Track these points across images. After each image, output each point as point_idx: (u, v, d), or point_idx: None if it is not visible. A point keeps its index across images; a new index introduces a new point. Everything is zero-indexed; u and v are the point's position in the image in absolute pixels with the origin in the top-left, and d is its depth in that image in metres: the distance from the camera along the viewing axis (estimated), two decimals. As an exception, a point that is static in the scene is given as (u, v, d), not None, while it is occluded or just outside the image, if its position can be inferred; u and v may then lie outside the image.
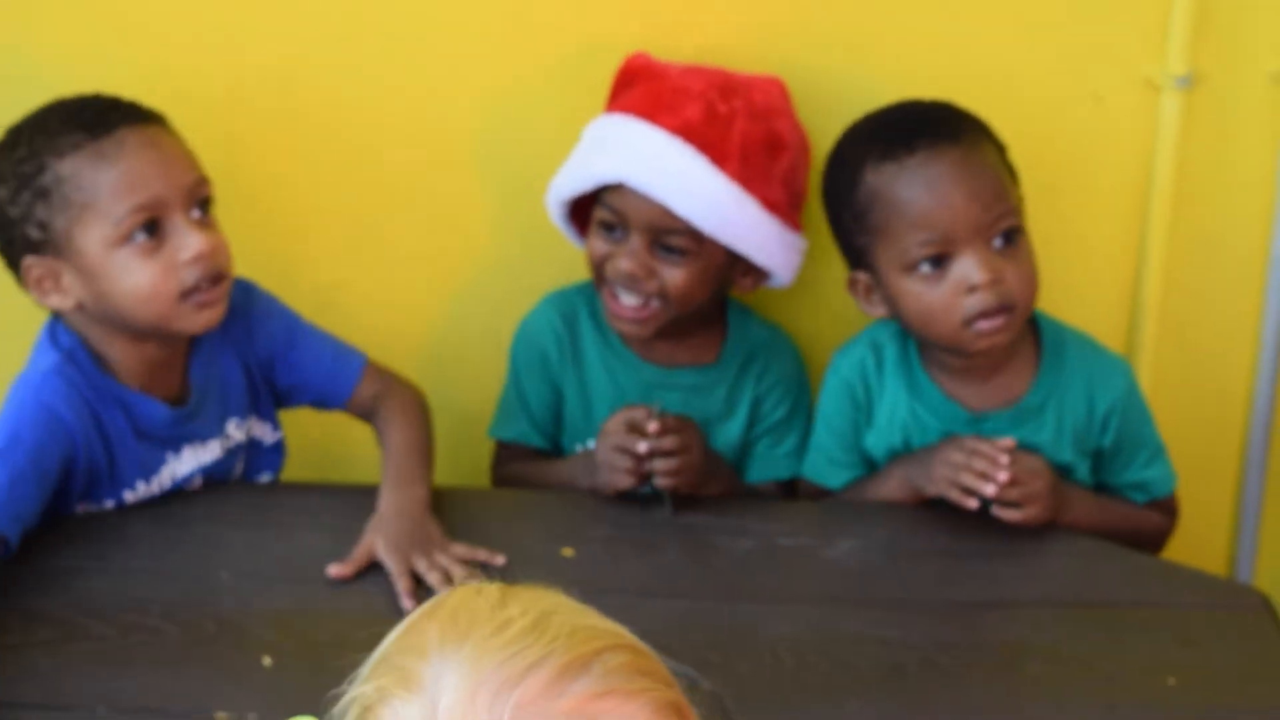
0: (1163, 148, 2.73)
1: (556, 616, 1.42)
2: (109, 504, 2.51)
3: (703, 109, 2.52)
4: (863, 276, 2.51)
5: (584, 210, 2.61)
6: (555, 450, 2.74)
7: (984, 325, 2.42)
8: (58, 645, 2.22)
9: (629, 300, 2.58)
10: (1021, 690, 2.22)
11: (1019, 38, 2.68)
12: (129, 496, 2.51)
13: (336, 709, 1.45)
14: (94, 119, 2.38)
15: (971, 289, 2.40)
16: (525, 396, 2.73)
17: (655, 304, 2.57)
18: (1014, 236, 2.43)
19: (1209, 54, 2.68)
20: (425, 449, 2.52)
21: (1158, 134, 2.73)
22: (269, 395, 2.63)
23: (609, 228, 2.56)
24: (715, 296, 2.65)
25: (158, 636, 2.27)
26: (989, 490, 2.41)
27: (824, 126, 2.69)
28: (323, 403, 2.64)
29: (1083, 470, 2.56)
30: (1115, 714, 2.17)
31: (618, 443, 2.49)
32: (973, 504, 2.43)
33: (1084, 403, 2.56)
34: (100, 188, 2.34)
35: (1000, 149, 2.47)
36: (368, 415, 2.61)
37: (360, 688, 1.44)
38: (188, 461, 2.54)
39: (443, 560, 2.30)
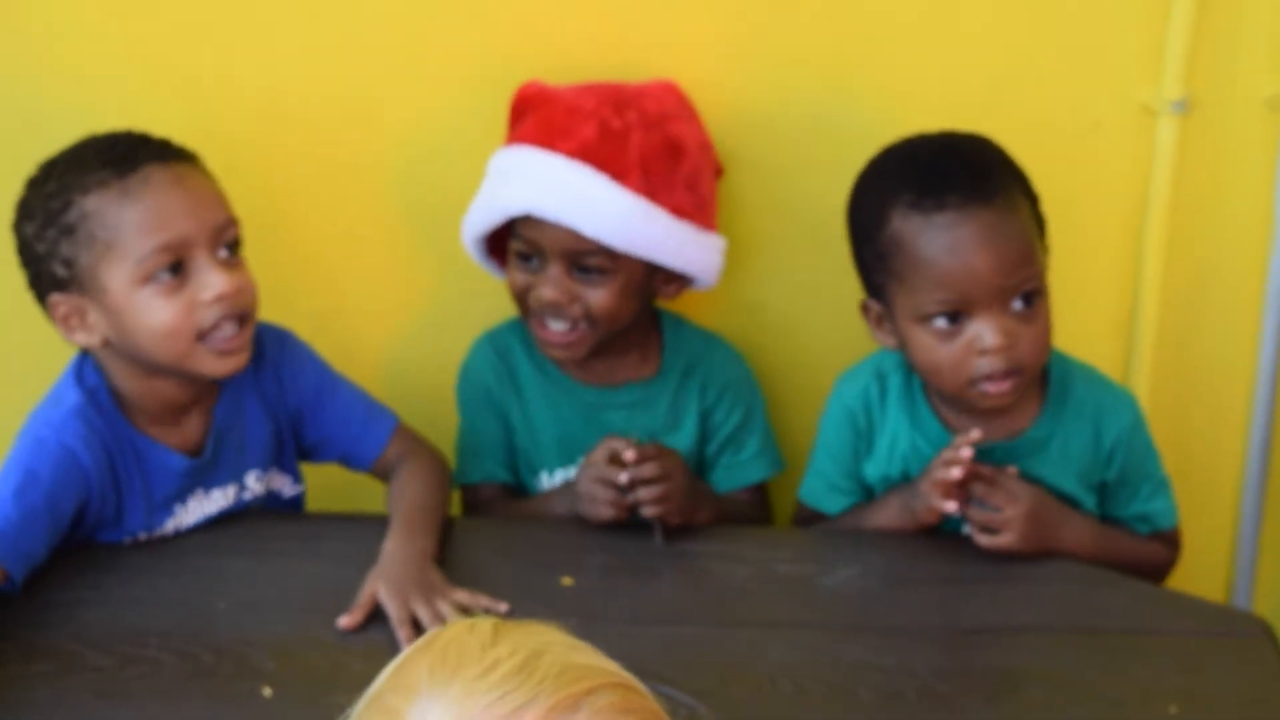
0: (1159, 172, 2.73)
1: (547, 656, 1.41)
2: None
3: (596, 127, 2.52)
4: (876, 306, 2.50)
5: (502, 241, 2.62)
6: (519, 482, 2.74)
7: (990, 387, 2.43)
8: (57, 676, 2.22)
9: (557, 327, 2.58)
10: (1021, 718, 2.21)
11: (1018, 64, 2.68)
12: (128, 541, 2.49)
13: None
14: (122, 156, 2.36)
15: (983, 351, 2.39)
16: (480, 436, 2.73)
17: (583, 326, 2.58)
18: (1033, 299, 2.41)
19: (1203, 79, 2.68)
20: (436, 509, 2.49)
21: (1154, 159, 2.73)
22: (294, 448, 2.61)
23: (525, 258, 2.57)
24: (642, 309, 2.66)
25: (156, 667, 2.25)
26: (955, 473, 2.40)
27: (825, 155, 2.70)
28: (347, 461, 2.62)
29: (1089, 503, 2.55)
30: (1115, 740, 2.16)
31: (598, 474, 2.49)
32: (951, 505, 2.43)
33: (1089, 437, 2.55)
34: (124, 226, 2.33)
35: (1033, 202, 2.45)
36: (388, 476, 2.58)
37: (352, 714, 1.44)
38: (194, 512, 2.53)
39: (443, 607, 2.28)
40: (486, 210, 2.57)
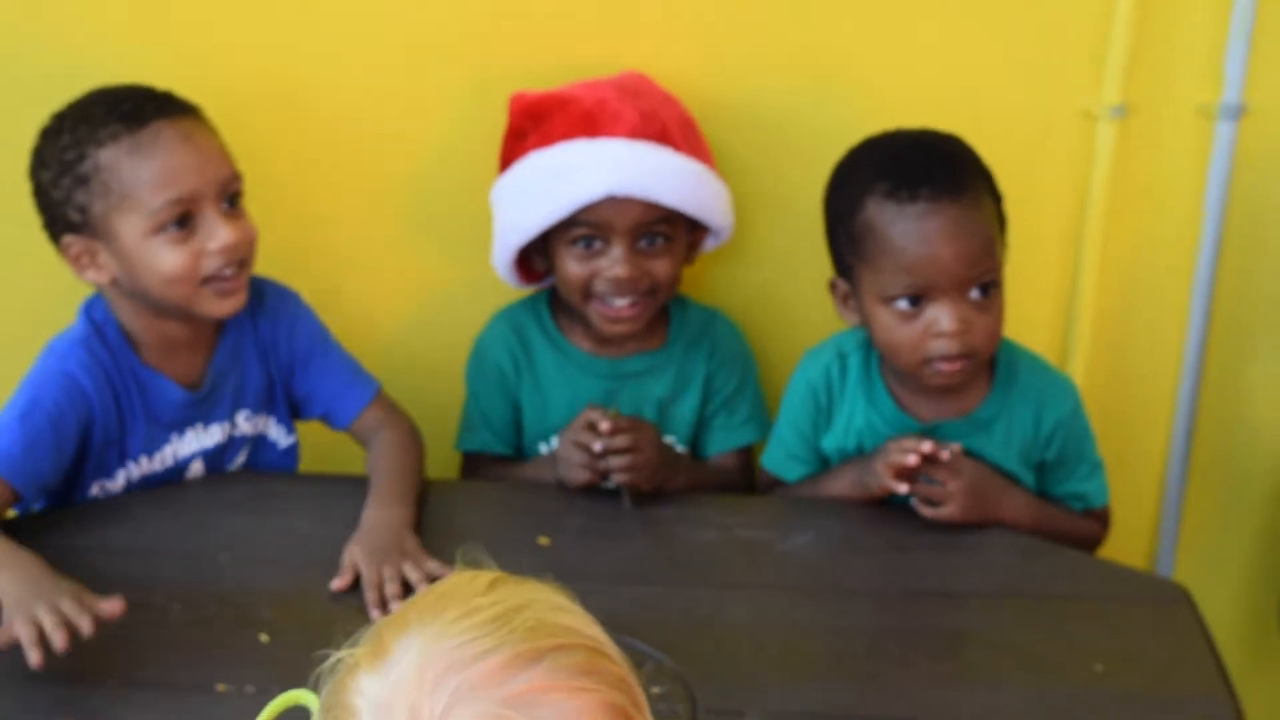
0: (1098, 173, 2.76)
1: (527, 611, 1.42)
2: (118, 476, 2.52)
3: (634, 111, 2.54)
4: (843, 285, 2.53)
5: (526, 255, 2.64)
6: (518, 454, 2.76)
7: (943, 367, 2.45)
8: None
9: (622, 303, 2.59)
10: (961, 675, 2.24)
11: (975, 69, 2.71)
12: (133, 470, 2.53)
13: (326, 664, 1.46)
14: (132, 111, 2.38)
15: (939, 334, 2.42)
16: (484, 409, 2.75)
17: (646, 298, 2.60)
18: (990, 290, 2.44)
19: (1141, 87, 2.71)
20: (412, 476, 2.50)
21: (1094, 160, 2.75)
22: (285, 399, 2.63)
23: (587, 242, 2.57)
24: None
25: (163, 614, 2.28)
26: (912, 460, 2.42)
27: (799, 147, 2.75)
28: (328, 419, 2.64)
29: (1028, 480, 2.58)
30: (1047, 698, 2.19)
31: (575, 439, 2.52)
32: (902, 488, 2.45)
33: (1032, 419, 2.58)
34: (137, 180, 2.36)
35: (997, 201, 2.48)
36: (365, 441, 2.60)
37: (349, 649, 1.45)
38: (190, 443, 2.56)
39: (411, 573, 2.29)
40: (551, 208, 2.54)
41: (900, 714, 2.17)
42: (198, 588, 2.33)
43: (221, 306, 2.43)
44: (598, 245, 2.56)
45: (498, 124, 2.64)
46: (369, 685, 1.41)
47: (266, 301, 2.57)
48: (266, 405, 2.62)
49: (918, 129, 2.52)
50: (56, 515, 2.46)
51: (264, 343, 2.58)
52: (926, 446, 2.42)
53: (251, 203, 2.52)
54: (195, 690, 2.17)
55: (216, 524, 2.46)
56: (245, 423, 2.60)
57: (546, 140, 2.57)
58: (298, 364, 2.61)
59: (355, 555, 2.33)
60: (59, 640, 2.08)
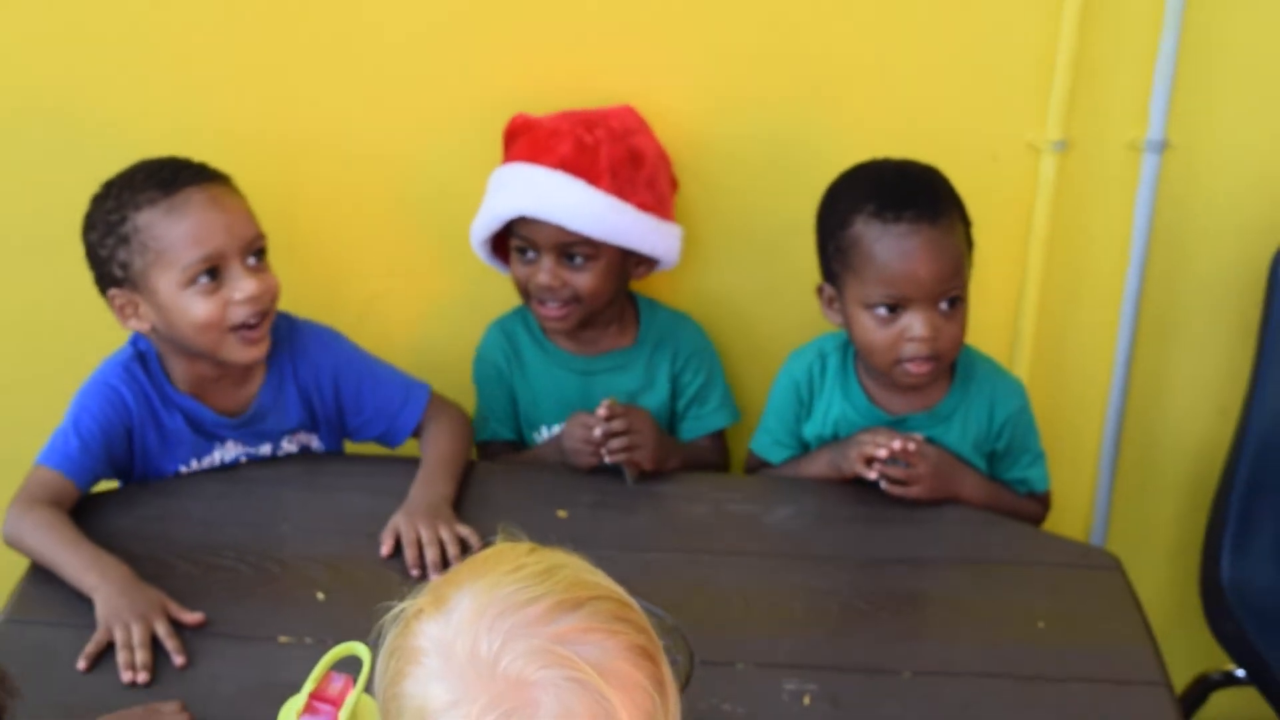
0: (1041, 199, 2.74)
1: (565, 570, 1.45)
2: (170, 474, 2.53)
3: (573, 143, 2.53)
4: (829, 289, 2.52)
5: (505, 243, 2.63)
6: (520, 438, 2.76)
7: (912, 368, 2.45)
8: (154, 580, 2.23)
9: (549, 307, 2.60)
10: (922, 630, 2.25)
11: (933, 104, 2.69)
12: (184, 470, 2.53)
13: (389, 615, 1.48)
14: (168, 178, 2.38)
15: (911, 339, 2.42)
16: (490, 404, 2.75)
17: (572, 305, 2.60)
18: (957, 303, 2.44)
19: (1080, 124, 2.70)
20: (456, 460, 2.49)
21: (1037, 189, 2.74)
22: (327, 426, 2.61)
23: (523, 251, 2.59)
24: (620, 289, 2.67)
25: (232, 575, 2.29)
26: (882, 453, 2.43)
27: (771, 172, 2.74)
28: (385, 440, 2.63)
29: (980, 465, 2.58)
30: (996, 649, 2.19)
31: (579, 433, 2.52)
32: (872, 474, 2.45)
33: (985, 414, 2.58)
34: (171, 240, 2.34)
35: (967, 225, 2.48)
36: (420, 433, 2.59)
37: (411, 601, 1.47)
38: (232, 450, 2.55)
39: (443, 531, 2.30)
40: (489, 217, 2.58)
41: (868, 664, 2.16)
42: (262, 553, 2.33)
43: (245, 354, 2.43)
44: (531, 255, 2.58)
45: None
46: (431, 629, 1.43)
47: (308, 349, 2.56)
48: (309, 430, 2.61)
49: (902, 159, 2.52)
50: (140, 489, 2.47)
51: (305, 387, 2.57)
52: (896, 445, 2.42)
53: (290, 229, 2.54)
54: (261, 641, 2.17)
55: (277, 498, 2.46)
56: (288, 443, 2.59)
57: (508, 157, 2.60)
58: (346, 400, 2.60)
59: (398, 522, 2.34)
60: (143, 662, 2.09)
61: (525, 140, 2.57)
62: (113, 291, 2.40)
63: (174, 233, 2.34)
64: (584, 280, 2.58)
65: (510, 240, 2.61)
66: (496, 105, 2.64)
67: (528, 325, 2.73)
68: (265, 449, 2.56)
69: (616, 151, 2.55)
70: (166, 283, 2.35)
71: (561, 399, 2.68)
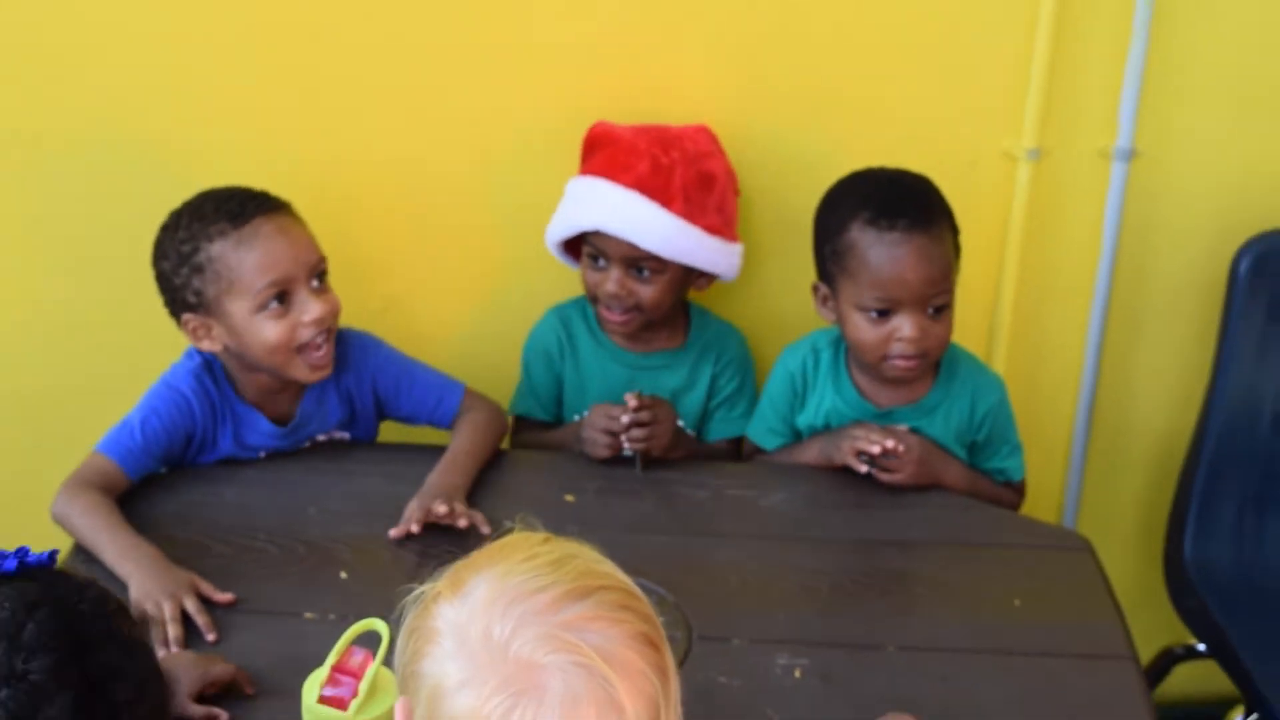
0: (1017, 205, 2.74)
1: (577, 560, 1.45)
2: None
3: (649, 164, 2.51)
4: (824, 288, 2.51)
5: (577, 244, 2.62)
6: (557, 420, 2.75)
7: (900, 364, 2.45)
8: (192, 561, 2.22)
9: (613, 312, 2.59)
10: (907, 606, 2.24)
11: (921, 118, 2.68)
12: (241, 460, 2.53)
13: (410, 597, 1.48)
14: (236, 210, 2.36)
15: (900, 339, 2.42)
16: (534, 384, 2.73)
17: (634, 313, 2.59)
18: (943, 309, 2.43)
19: (1053, 133, 2.69)
20: (477, 454, 2.47)
21: (1013, 194, 2.73)
22: (363, 423, 2.61)
23: (594, 259, 2.57)
24: (680, 299, 2.67)
25: (263, 555, 2.28)
26: (874, 449, 2.42)
27: (766, 169, 2.73)
28: (432, 425, 2.61)
29: (961, 455, 2.57)
30: (975, 625, 2.19)
31: (601, 426, 2.50)
32: (863, 468, 2.45)
33: (967, 407, 2.57)
34: (243, 269, 2.34)
35: (955, 234, 2.47)
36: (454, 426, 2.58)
37: (430, 584, 1.48)
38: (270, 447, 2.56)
39: (439, 507, 2.29)
40: (566, 225, 2.57)
41: (856, 639, 2.15)
42: (290, 535, 2.32)
43: (312, 376, 2.43)
44: (602, 263, 2.56)
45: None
46: (448, 612, 1.43)
47: (348, 355, 2.55)
48: (346, 428, 2.60)
49: (896, 169, 2.51)
50: (181, 475, 2.45)
51: (347, 392, 2.56)
52: (889, 444, 2.42)
53: (344, 237, 2.52)
54: (288, 616, 2.16)
55: (306, 484, 2.45)
56: (322, 437, 2.59)
57: (586, 169, 2.58)
58: (388, 401, 2.60)
59: (412, 506, 2.32)
60: (174, 632, 2.09)
61: (604, 154, 2.56)
62: (186, 316, 2.40)
63: (245, 262, 2.34)
64: (648, 292, 2.57)
65: (583, 246, 2.59)
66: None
67: (585, 317, 2.71)
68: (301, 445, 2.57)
69: (689, 175, 2.53)
70: (239, 308, 2.35)
71: (608, 389, 2.66)
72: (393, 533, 2.30)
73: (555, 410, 2.75)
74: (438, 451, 2.47)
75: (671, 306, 2.65)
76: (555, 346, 2.72)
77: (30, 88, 2.62)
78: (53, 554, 1.53)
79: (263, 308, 2.34)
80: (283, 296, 2.35)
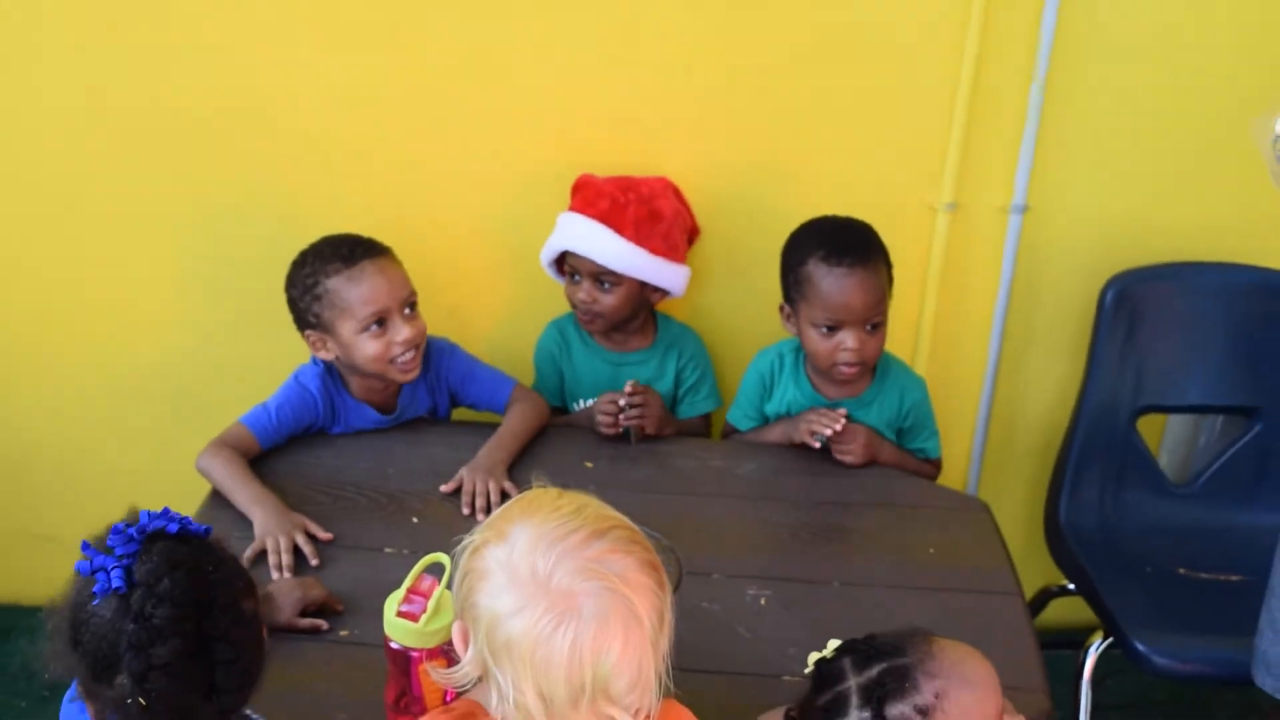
0: (936, 247, 2.72)
1: (590, 508, 1.47)
2: None
3: (609, 201, 2.51)
4: (787, 309, 2.50)
5: (563, 265, 2.63)
6: (564, 406, 2.73)
7: (844, 370, 2.45)
8: (298, 507, 2.24)
9: (583, 315, 2.61)
10: (848, 553, 2.23)
11: (860, 177, 2.66)
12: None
13: (459, 546, 1.49)
14: (348, 252, 2.39)
15: (845, 349, 2.41)
16: (544, 379, 2.72)
17: (599, 318, 2.60)
18: (879, 326, 2.43)
19: (965, 191, 2.67)
20: (520, 437, 2.45)
21: (934, 238, 2.71)
22: (443, 409, 2.61)
23: (571, 274, 2.59)
24: (640, 308, 2.65)
25: (352, 504, 2.28)
26: (828, 432, 2.41)
27: (758, 225, 2.69)
28: (490, 411, 2.60)
29: (891, 438, 2.55)
30: (900, 567, 2.18)
31: (603, 409, 2.50)
32: (816, 445, 2.43)
33: (897, 401, 2.55)
34: (351, 299, 2.36)
35: (890, 268, 2.45)
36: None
37: (475, 535, 1.48)
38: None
39: (491, 485, 2.29)
40: (552, 247, 2.57)
41: (809, 575, 2.15)
42: (374, 489, 2.32)
43: (404, 378, 2.44)
44: (576, 278, 2.58)
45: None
46: (496, 554, 1.45)
47: (431, 357, 2.55)
48: (431, 414, 2.60)
49: (846, 217, 2.49)
50: (292, 442, 2.44)
51: (431, 384, 2.56)
52: (838, 427, 2.41)
53: (426, 261, 2.53)
54: (373, 551, 2.16)
55: (388, 450, 2.44)
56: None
57: (570, 206, 2.58)
58: (459, 390, 2.59)
59: (463, 472, 2.32)
60: (287, 560, 2.11)
61: (580, 196, 2.56)
62: (308, 332, 2.42)
63: (353, 295, 2.36)
64: (609, 300, 2.57)
65: (565, 264, 2.61)
66: (562, 164, 2.62)
67: (576, 326, 2.70)
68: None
69: (641, 211, 2.52)
70: (347, 329, 2.37)
71: (596, 381, 2.66)
72: (444, 487, 2.30)
73: (560, 398, 2.73)
74: (489, 429, 2.45)
75: (633, 314, 2.63)
76: (555, 349, 2.70)
77: (200, 156, 2.64)
78: (208, 529, 1.52)
79: (365, 329, 2.36)
80: (381, 322, 2.36)
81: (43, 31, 2.52)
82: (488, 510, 2.24)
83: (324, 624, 1.95)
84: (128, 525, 1.48)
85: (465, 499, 2.28)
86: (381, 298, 2.36)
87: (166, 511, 1.51)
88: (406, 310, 2.40)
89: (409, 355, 2.40)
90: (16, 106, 2.60)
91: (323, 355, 2.43)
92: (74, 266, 2.76)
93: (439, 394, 2.58)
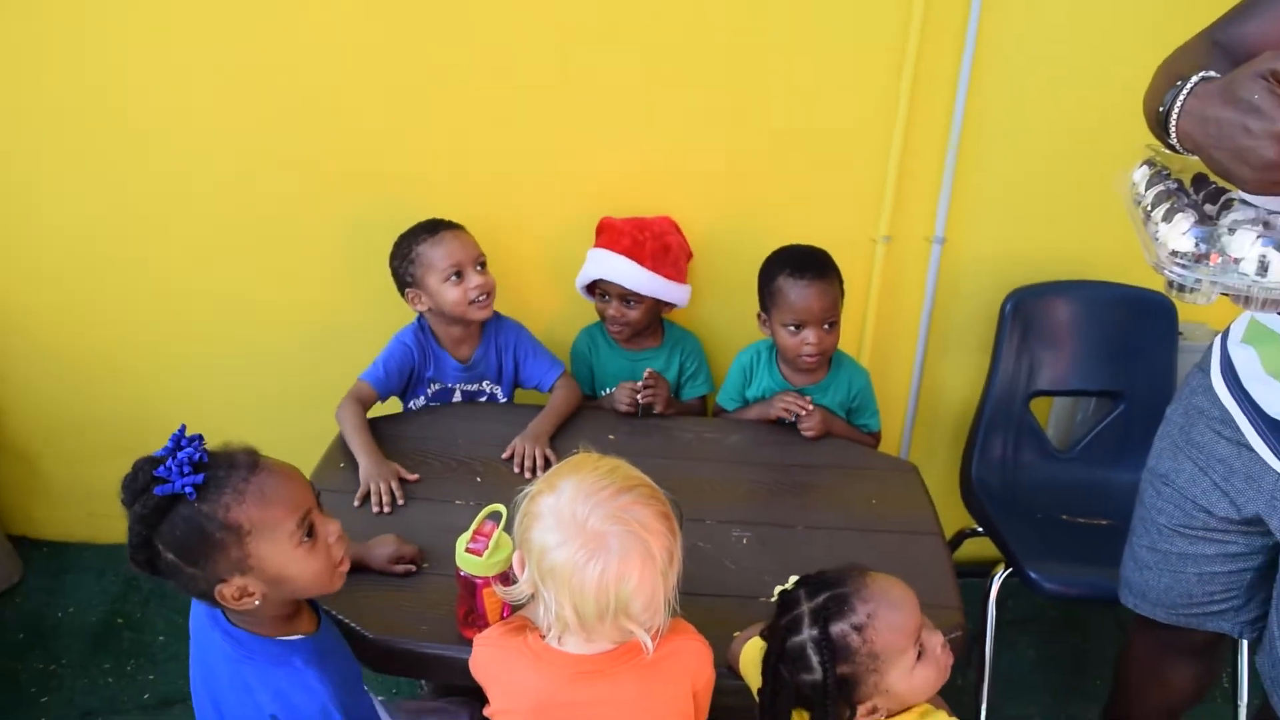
0: (875, 270, 2.70)
1: (621, 469, 1.48)
2: (421, 395, 2.53)
3: (630, 240, 2.49)
4: (763, 315, 2.48)
5: (592, 287, 2.60)
6: (593, 393, 2.70)
7: (806, 359, 2.43)
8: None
9: (614, 327, 2.60)
10: (810, 504, 2.21)
11: (816, 213, 2.63)
12: (429, 391, 2.53)
13: (519, 495, 1.48)
14: (431, 225, 2.43)
15: (808, 344, 2.40)
16: (577, 371, 2.68)
17: (626, 328, 2.59)
18: (834, 325, 2.42)
19: (897, 226, 2.65)
20: (562, 414, 2.42)
21: (873, 265, 2.70)
22: (509, 378, 2.58)
23: (603, 295, 2.57)
24: (655, 318, 2.64)
25: (430, 467, 2.25)
26: (803, 413, 2.40)
27: (737, 251, 2.66)
28: (538, 388, 2.57)
29: (842, 415, 2.53)
30: (849, 514, 2.17)
31: (625, 394, 2.48)
32: (790, 418, 2.42)
33: (846, 387, 2.53)
34: (434, 257, 2.38)
35: (841, 282, 2.44)
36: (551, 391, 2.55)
37: (534, 486, 1.49)
38: (458, 391, 2.55)
39: (536, 450, 2.27)
40: (585, 276, 2.55)
41: (780, 521, 2.13)
42: (446, 455, 2.30)
43: (479, 315, 2.43)
44: (606, 298, 2.56)
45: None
46: (548, 501, 1.44)
47: (503, 329, 2.54)
48: (497, 379, 2.57)
49: (808, 245, 2.48)
50: (384, 421, 2.41)
51: (500, 350, 2.54)
52: (808, 404, 2.40)
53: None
54: (443, 502, 2.14)
55: (456, 425, 2.41)
56: (485, 385, 2.56)
57: (597, 244, 2.56)
58: (520, 362, 2.56)
59: (516, 440, 2.31)
60: (386, 503, 2.10)
61: (606, 235, 2.53)
62: (407, 290, 2.44)
63: (436, 254, 2.38)
64: (633, 314, 2.56)
65: (596, 286, 2.58)
66: (588, 207, 2.60)
67: (602, 331, 2.69)
68: (473, 386, 2.55)
69: (656, 245, 2.50)
70: (434, 280, 2.38)
71: (618, 373, 2.64)
72: (504, 455, 2.28)
73: (590, 387, 2.70)
74: (535, 410, 2.43)
75: (650, 323, 2.62)
76: (586, 349, 2.68)
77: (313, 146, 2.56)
78: (202, 460, 1.48)
79: (446, 279, 2.38)
80: (459, 274, 2.38)
81: (179, 38, 2.43)
82: (534, 471, 2.22)
83: (414, 568, 1.94)
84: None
85: (516, 461, 2.26)
86: (456, 253, 2.38)
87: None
88: (478, 266, 2.41)
89: (483, 298, 2.41)
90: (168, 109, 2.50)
91: (418, 307, 2.43)
92: (197, 262, 2.70)
93: (505, 359, 2.55)
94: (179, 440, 1.48)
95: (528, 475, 2.22)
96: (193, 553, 1.45)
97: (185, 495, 1.43)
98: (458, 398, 2.56)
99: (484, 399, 2.58)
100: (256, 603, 1.51)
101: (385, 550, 1.93)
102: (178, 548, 1.45)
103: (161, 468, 1.44)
